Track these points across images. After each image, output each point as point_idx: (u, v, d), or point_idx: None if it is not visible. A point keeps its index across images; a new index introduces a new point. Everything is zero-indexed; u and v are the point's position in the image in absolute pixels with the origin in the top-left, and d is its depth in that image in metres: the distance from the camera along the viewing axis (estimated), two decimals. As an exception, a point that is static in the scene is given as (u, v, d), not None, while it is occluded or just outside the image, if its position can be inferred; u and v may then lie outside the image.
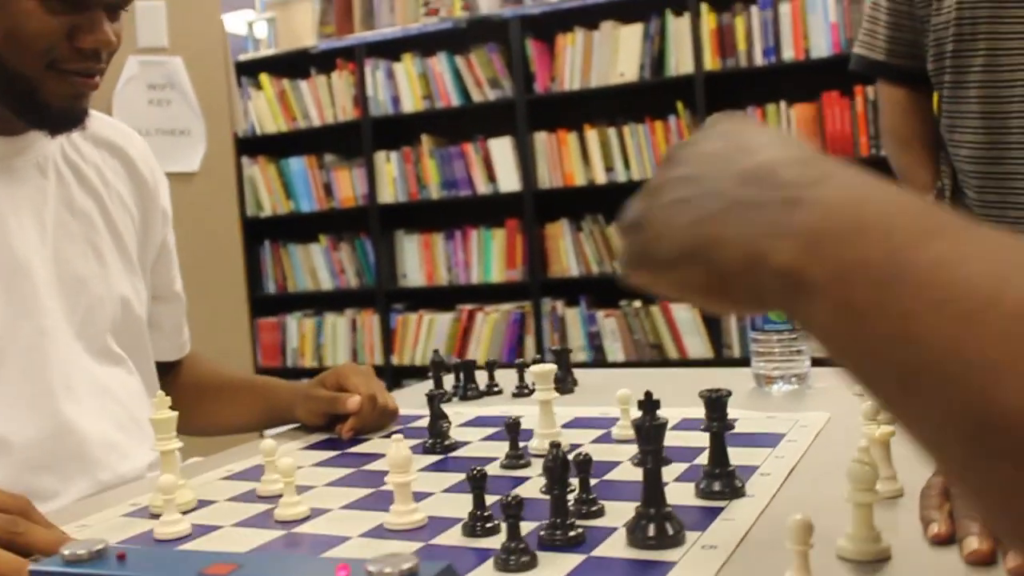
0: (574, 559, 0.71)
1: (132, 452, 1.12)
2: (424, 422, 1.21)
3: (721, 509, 0.80)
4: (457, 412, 1.24)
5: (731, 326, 4.04)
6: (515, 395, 1.36)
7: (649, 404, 0.74)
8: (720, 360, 4.03)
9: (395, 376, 4.55)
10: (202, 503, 0.92)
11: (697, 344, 4.08)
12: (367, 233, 4.57)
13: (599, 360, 4.21)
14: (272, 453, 0.94)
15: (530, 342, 4.32)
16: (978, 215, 1.75)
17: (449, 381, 1.39)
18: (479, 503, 0.78)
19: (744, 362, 4.19)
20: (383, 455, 1.06)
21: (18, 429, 1.02)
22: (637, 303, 4.16)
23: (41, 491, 1.02)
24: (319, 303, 4.76)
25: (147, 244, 1.24)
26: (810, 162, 0.47)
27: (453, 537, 0.78)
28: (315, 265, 4.67)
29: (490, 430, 1.15)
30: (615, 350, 4.19)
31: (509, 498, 0.70)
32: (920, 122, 1.89)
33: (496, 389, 1.38)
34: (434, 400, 1.08)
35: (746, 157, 0.49)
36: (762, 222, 0.45)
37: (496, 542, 0.75)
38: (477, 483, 0.78)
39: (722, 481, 0.84)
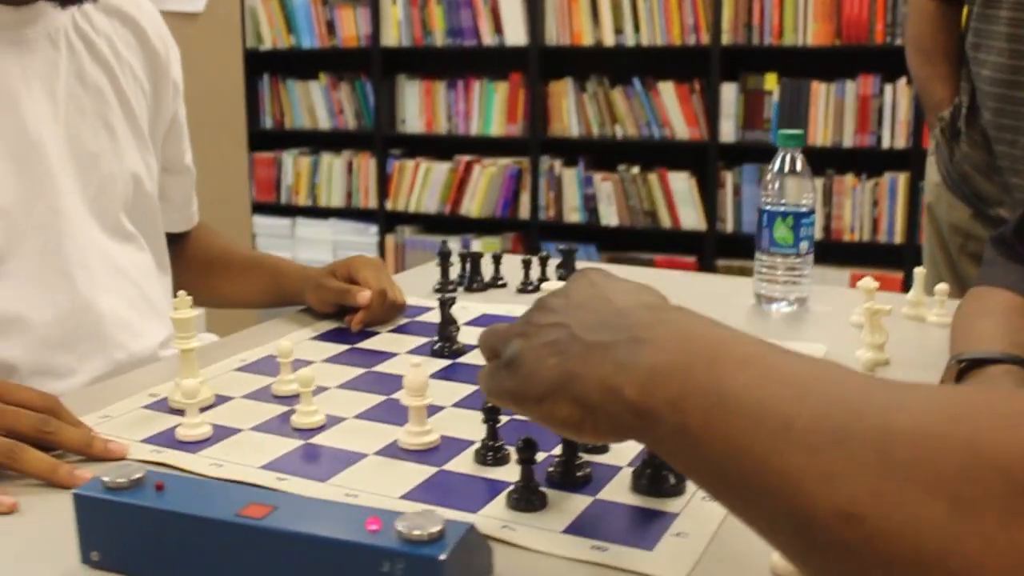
0: (582, 501, 0.75)
1: (145, 331, 1.14)
2: (430, 316, 1.25)
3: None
4: (462, 307, 1.27)
5: (727, 200, 4.05)
6: (520, 290, 1.38)
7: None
8: (713, 232, 4.06)
9: (388, 222, 4.57)
10: (219, 399, 0.96)
11: (691, 215, 4.10)
12: (368, 75, 4.51)
13: (593, 223, 4.24)
14: (288, 355, 0.97)
15: (525, 199, 4.33)
16: (992, 136, 1.75)
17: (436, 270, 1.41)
18: (492, 435, 0.82)
19: (736, 238, 4.18)
20: (393, 354, 1.10)
21: (36, 307, 1.04)
22: (635, 169, 4.16)
23: (57, 368, 1.05)
24: (316, 142, 4.73)
25: (158, 118, 1.24)
26: (655, 308, 0.56)
27: (465, 464, 0.82)
28: (313, 103, 4.62)
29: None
30: (609, 214, 4.20)
31: (522, 442, 0.73)
32: (946, 36, 1.87)
33: (501, 282, 1.41)
34: (445, 305, 1.11)
35: (605, 305, 0.57)
36: (613, 361, 0.52)
37: (506, 472, 0.79)
38: (490, 415, 0.81)
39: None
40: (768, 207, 1.30)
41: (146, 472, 0.64)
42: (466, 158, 4.42)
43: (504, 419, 0.88)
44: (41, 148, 1.06)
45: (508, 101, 4.31)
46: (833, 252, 3.92)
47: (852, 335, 1.21)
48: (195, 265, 1.35)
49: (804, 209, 1.29)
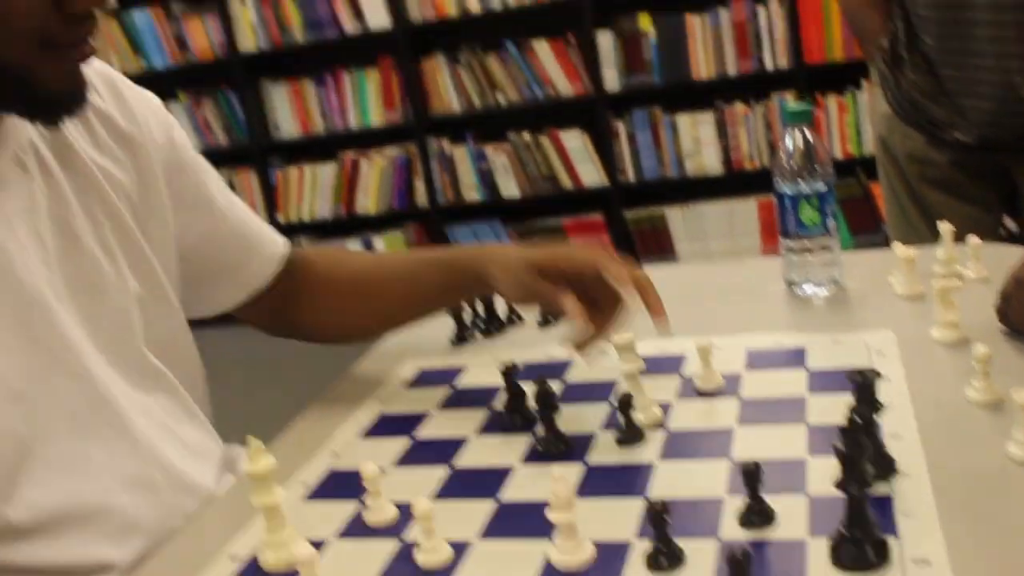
0: (796, 600, 0.68)
1: (201, 482, 1.01)
2: (470, 378, 1.15)
3: (888, 498, 0.78)
4: (495, 358, 1.17)
5: (623, 151, 4.01)
6: (541, 324, 1.29)
7: (852, 429, 0.69)
8: (616, 186, 4.02)
9: (284, 235, 4.37)
10: (314, 544, 0.84)
11: (591, 172, 4.05)
12: (230, 85, 4.29)
13: (494, 198, 4.15)
14: (377, 482, 0.86)
15: (420, 186, 4.21)
16: (936, 61, 1.73)
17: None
18: (663, 536, 0.74)
19: (639, 187, 4.17)
20: (461, 440, 1.00)
21: (135, 503, 0.91)
22: (526, 135, 4.08)
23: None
24: (188, 165, 4.48)
25: (151, 209, 1.03)
26: None
27: (640, 575, 0.73)
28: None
29: (555, 383, 1.08)
30: (509, 185, 4.12)
31: (740, 554, 0.65)
32: None
33: (518, 319, 1.32)
34: (510, 375, 1.01)
35: None
36: None
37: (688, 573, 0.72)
38: (661, 518, 0.73)
39: (876, 463, 0.81)
40: (787, 190, 1.24)
41: None
42: (351, 154, 4.26)
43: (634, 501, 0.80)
44: (43, 304, 0.89)
45: (382, 87, 4.17)
46: (736, 183, 3.93)
47: (907, 312, 1.17)
48: (316, 291, 1.21)
49: (824, 186, 1.23)
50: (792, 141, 1.25)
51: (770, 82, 3.86)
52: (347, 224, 4.34)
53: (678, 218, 3.98)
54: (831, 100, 3.79)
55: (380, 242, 4.26)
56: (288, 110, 4.29)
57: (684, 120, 3.93)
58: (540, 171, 4.08)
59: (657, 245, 4.03)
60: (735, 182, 3.92)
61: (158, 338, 1.01)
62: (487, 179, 4.13)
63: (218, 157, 4.40)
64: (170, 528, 0.94)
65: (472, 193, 4.15)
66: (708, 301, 1.30)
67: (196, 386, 1.08)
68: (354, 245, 4.29)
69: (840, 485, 0.70)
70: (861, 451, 0.69)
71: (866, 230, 3.81)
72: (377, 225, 4.32)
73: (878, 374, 0.84)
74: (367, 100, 4.19)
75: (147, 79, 4.30)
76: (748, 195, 3.91)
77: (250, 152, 4.32)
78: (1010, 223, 2.24)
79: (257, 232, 1.18)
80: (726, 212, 3.97)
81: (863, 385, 0.82)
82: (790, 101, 3.79)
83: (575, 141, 4.02)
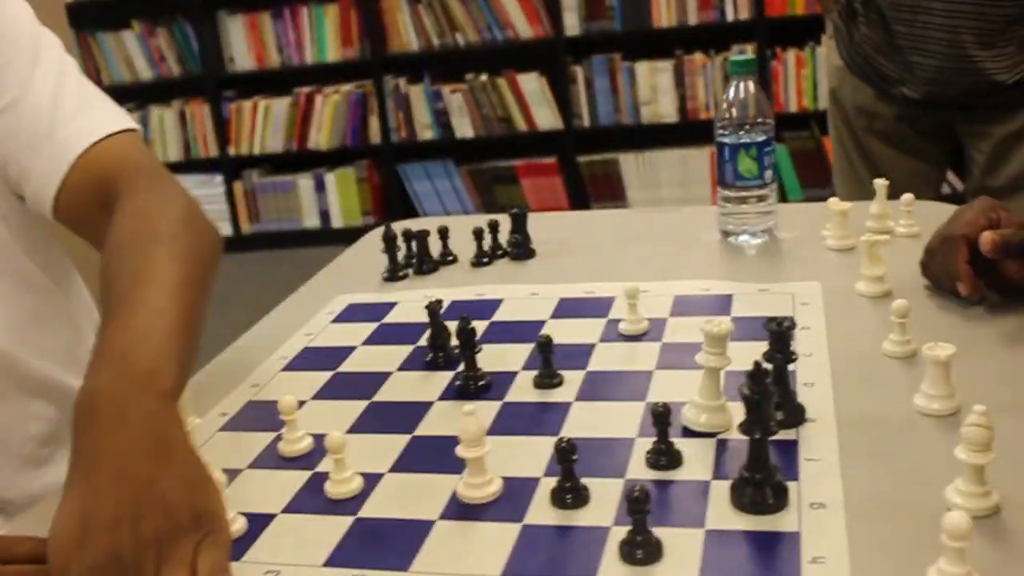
0: (693, 535, 0.69)
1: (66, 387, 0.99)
2: (399, 314, 1.15)
3: (794, 442, 0.79)
4: (425, 296, 1.17)
5: (580, 96, 3.99)
6: (474, 264, 1.29)
7: (758, 375, 0.70)
8: (570, 130, 4.00)
9: (235, 169, 4.33)
10: (227, 473, 0.84)
11: (546, 115, 4.02)
12: (186, 16, 4.20)
13: (447, 137, 4.12)
14: (293, 411, 0.86)
15: (374, 123, 4.17)
16: (889, 16, 1.73)
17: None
18: (568, 474, 0.74)
19: (594, 132, 4.16)
20: (385, 375, 1.00)
21: None
22: (483, 76, 4.04)
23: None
24: (140, 95, 4.39)
25: None
26: None
27: (543, 511, 0.74)
28: (130, 54, 4.28)
29: (482, 323, 1.08)
30: (463, 126, 4.09)
31: (637, 491, 0.66)
32: None
33: (451, 259, 1.31)
34: (435, 313, 1.01)
35: None
36: None
37: (592, 514, 0.72)
38: (566, 456, 0.73)
39: (786, 409, 0.82)
40: (727, 140, 1.24)
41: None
42: (306, 90, 4.20)
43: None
44: None
45: (340, 23, 4.10)
46: (691, 133, 3.93)
47: (837, 264, 1.18)
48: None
49: (764, 137, 1.23)
50: (735, 92, 1.25)
51: (731, 33, 3.85)
52: (298, 159, 4.30)
53: (631, 165, 3.98)
54: (790, 53, 3.79)
55: (332, 178, 4.22)
56: (244, 43, 4.21)
57: (643, 68, 3.91)
58: (495, 112, 4.05)
59: (609, 191, 4.03)
60: (690, 131, 3.92)
61: (18, 241, 0.97)
62: (442, 118, 4.10)
63: (170, 87, 4.34)
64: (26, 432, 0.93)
65: (426, 132, 4.12)
66: (643, 246, 1.31)
67: (68, 290, 1.04)
68: (305, 181, 4.25)
69: (743, 429, 0.71)
70: (766, 396, 0.70)
71: (817, 184, 3.83)
72: (329, 161, 4.28)
73: (793, 323, 0.84)
74: (325, 35, 4.13)
75: (99, 5, 4.20)
76: (702, 144, 3.91)
77: (203, 84, 4.24)
78: (954, 179, 2.26)
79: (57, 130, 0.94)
80: (679, 161, 3.97)
81: (777, 333, 0.83)
82: (748, 50, 3.78)
83: (532, 84, 3.99)
